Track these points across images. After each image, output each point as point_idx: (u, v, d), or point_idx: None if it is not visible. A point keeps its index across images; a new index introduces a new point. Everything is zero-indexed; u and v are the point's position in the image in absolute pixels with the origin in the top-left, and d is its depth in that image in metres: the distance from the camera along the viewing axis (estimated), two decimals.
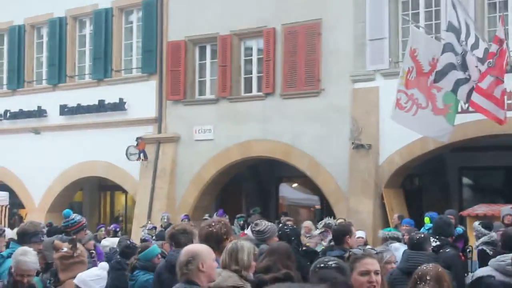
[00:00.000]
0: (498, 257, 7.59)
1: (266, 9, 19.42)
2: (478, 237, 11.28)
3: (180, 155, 20.88)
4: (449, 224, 9.92)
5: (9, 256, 7.21)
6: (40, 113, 24.06)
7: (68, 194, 24.04)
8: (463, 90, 13.66)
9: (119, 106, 22.11)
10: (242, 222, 17.53)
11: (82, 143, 22.48)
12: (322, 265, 4.96)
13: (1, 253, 7.66)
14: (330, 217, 14.59)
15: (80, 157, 22.62)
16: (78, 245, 6.61)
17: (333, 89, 18.32)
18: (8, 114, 24.85)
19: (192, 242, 7.66)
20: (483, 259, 9.94)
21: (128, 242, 10.15)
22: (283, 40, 19.17)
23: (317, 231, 12.82)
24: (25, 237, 7.96)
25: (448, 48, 13.50)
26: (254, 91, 20.06)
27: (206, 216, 18.13)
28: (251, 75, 20.23)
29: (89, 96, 22.71)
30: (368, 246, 12.23)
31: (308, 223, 14.51)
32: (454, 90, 13.65)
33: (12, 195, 22.40)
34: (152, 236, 13.56)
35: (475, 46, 13.93)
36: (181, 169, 20.83)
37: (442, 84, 13.76)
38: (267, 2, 19.49)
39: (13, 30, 24.92)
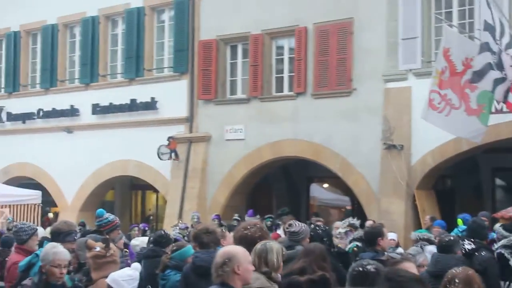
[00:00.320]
0: None
1: (298, 8, 19.35)
2: (498, 240, 11.12)
3: (211, 155, 20.89)
4: (483, 226, 9.79)
5: None
6: (72, 112, 24.22)
7: (99, 193, 24.19)
8: (500, 90, 13.51)
9: (151, 105, 22.17)
10: (269, 222, 17.44)
11: (114, 142, 22.61)
12: (360, 268, 4.89)
13: (36, 252, 7.68)
14: (354, 218, 14.56)
15: (112, 156, 22.75)
16: (111, 244, 6.62)
17: (365, 88, 18.20)
18: (41, 113, 25.06)
19: (216, 241, 7.63)
20: (502, 263, 9.72)
21: (162, 232, 10.05)
22: (315, 39, 19.08)
23: (341, 230, 12.74)
24: (58, 236, 7.99)
25: (485, 47, 13.33)
26: (286, 91, 20.00)
27: (236, 216, 18.10)
28: (282, 75, 20.17)
29: (121, 95, 22.82)
30: (400, 248, 12.17)
31: (339, 224, 14.40)
32: (493, 91, 13.50)
33: (45, 193, 22.56)
34: (184, 236, 13.52)
35: (509, 45, 13.76)
36: (212, 168, 20.83)
37: (481, 85, 13.60)
38: (299, 1, 19.41)
39: (47, 29, 25.12)
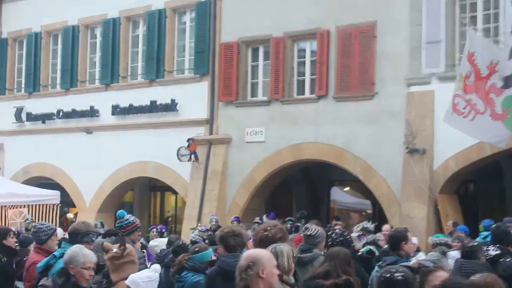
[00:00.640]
0: None
1: (320, 11, 19.23)
2: None
3: (231, 157, 20.80)
4: (507, 232, 9.72)
5: (61, 256, 7.14)
6: (92, 113, 24.23)
7: (118, 194, 24.18)
8: None
9: (171, 106, 22.12)
10: (289, 225, 17.37)
11: (133, 143, 22.59)
12: (388, 275, 4.83)
13: (54, 253, 7.61)
14: (369, 222, 14.49)
15: (131, 157, 22.72)
16: (127, 245, 6.52)
17: (387, 92, 18.05)
18: (61, 114, 25.08)
19: (242, 244, 7.52)
20: None
21: (180, 242, 10.05)
22: (337, 42, 18.95)
23: (354, 234, 12.65)
24: (76, 237, 7.92)
25: None
26: (307, 94, 19.88)
27: (257, 219, 18.00)
28: (304, 77, 20.05)
29: (141, 96, 22.79)
30: (420, 253, 12.02)
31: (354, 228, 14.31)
32: None
33: (63, 194, 22.57)
34: (205, 239, 13.40)
35: None
36: (232, 171, 20.74)
37: (509, 90, 13.46)
38: (321, 3, 19.30)
39: (67, 30, 25.16)
